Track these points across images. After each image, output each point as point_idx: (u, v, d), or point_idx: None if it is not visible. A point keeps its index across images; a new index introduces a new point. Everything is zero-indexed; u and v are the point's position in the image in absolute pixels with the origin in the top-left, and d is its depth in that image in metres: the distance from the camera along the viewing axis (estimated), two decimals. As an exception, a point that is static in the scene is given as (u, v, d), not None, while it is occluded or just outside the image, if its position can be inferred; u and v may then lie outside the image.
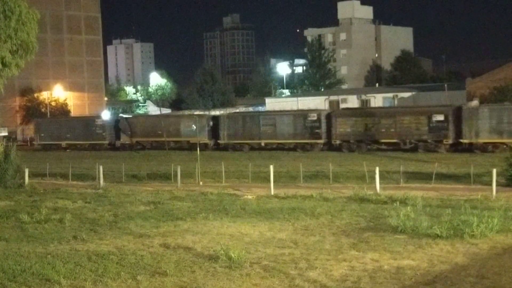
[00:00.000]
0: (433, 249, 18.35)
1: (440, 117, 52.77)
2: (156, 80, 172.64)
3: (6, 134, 77.34)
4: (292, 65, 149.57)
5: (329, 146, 57.54)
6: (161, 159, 54.53)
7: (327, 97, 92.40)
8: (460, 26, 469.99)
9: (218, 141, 62.55)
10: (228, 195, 31.31)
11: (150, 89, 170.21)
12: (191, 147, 59.25)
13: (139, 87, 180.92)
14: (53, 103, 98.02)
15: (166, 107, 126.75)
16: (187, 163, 44.88)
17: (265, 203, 27.99)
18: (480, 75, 78.61)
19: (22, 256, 18.88)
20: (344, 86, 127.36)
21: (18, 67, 34.45)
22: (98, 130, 70.28)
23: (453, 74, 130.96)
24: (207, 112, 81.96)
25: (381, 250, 18.36)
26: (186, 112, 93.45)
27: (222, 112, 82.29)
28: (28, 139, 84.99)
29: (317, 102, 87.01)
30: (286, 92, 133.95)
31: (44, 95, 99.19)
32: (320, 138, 57.83)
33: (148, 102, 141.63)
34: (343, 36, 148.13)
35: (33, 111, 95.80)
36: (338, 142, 56.81)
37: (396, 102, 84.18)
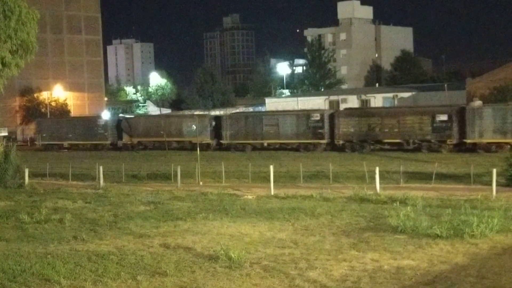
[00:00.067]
0: (433, 249, 18.35)
1: (444, 117, 52.73)
2: (156, 80, 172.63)
3: (6, 134, 77.36)
4: (292, 65, 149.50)
5: (332, 146, 57.45)
6: (161, 159, 54.54)
7: (327, 97, 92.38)
8: (460, 26, 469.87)
9: (221, 141, 62.50)
10: (228, 195, 31.32)
11: (150, 89, 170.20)
12: (193, 147, 59.20)
13: (139, 87, 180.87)
14: (53, 103, 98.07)
15: (166, 107, 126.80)
16: (187, 163, 44.89)
17: (265, 203, 27.99)
18: (480, 75, 78.62)
19: (22, 256, 18.87)
20: (344, 86, 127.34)
21: (18, 67, 34.43)
22: (100, 130, 70.27)
23: (453, 74, 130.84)
24: (209, 112, 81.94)
25: (381, 250, 18.36)
26: (187, 112, 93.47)
27: (223, 112, 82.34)
28: (28, 139, 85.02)
29: (317, 102, 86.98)
30: (286, 92, 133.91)
31: (44, 95, 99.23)
32: (323, 138, 57.76)
33: (148, 102, 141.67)
34: (343, 36, 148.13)
35: (33, 111, 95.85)
36: (341, 142, 56.75)
37: (396, 102, 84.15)
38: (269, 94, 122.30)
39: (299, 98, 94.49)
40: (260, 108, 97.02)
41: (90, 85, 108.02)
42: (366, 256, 17.79)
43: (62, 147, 71.93)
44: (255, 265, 17.03)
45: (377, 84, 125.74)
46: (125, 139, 68.06)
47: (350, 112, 60.15)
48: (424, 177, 35.14)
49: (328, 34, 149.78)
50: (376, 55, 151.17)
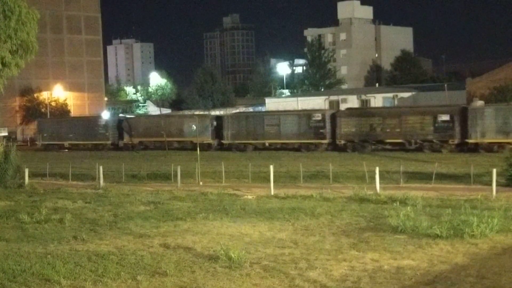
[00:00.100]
0: (433, 249, 18.34)
1: (446, 117, 52.71)
2: (156, 80, 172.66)
3: (6, 134, 77.38)
4: (292, 65, 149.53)
5: (334, 146, 57.41)
6: (161, 159, 54.55)
7: (327, 97, 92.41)
8: (460, 26, 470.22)
9: (222, 141, 62.48)
10: (228, 195, 31.31)
11: (150, 89, 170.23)
12: (195, 147, 59.17)
13: (139, 87, 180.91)
14: (53, 103, 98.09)
15: (166, 107, 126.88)
16: (187, 163, 44.89)
17: (265, 203, 27.98)
18: (480, 75, 78.56)
19: (22, 256, 18.87)
20: (344, 86, 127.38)
21: (18, 67, 34.46)
22: (101, 130, 70.26)
23: (453, 74, 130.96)
24: (211, 112, 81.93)
25: (381, 250, 18.36)
26: (186, 112, 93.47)
27: (222, 112, 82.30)
28: (28, 139, 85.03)
29: (317, 102, 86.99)
30: (286, 92, 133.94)
31: (44, 95, 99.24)
32: (324, 138, 57.71)
33: (148, 102, 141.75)
34: (343, 36, 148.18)
35: (33, 111, 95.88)
36: (342, 142, 56.71)
37: (396, 102, 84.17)
38: (269, 94, 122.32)
39: (299, 98, 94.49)
40: (260, 108, 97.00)
41: (90, 85, 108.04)
42: (366, 256, 17.78)
43: (63, 147, 71.91)
44: (255, 265, 17.03)
45: (377, 84, 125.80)
46: (127, 139, 68.06)
47: (351, 112, 60.09)
48: (424, 177, 35.13)
49: (328, 34, 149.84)
50: (376, 55, 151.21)
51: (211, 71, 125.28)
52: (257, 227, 22.44)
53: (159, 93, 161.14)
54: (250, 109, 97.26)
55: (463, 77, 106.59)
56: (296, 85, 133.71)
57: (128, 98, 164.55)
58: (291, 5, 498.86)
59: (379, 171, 32.16)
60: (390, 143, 54.85)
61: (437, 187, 31.91)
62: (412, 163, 42.78)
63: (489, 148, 50.23)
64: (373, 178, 32.36)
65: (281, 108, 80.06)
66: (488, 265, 16.47)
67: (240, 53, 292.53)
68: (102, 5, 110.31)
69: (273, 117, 61.09)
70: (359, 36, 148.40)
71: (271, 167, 33.15)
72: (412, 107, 61.78)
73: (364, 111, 62.33)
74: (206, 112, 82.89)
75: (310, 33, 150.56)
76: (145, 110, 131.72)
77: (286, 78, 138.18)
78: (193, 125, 58.26)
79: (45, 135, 73.42)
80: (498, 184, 29.36)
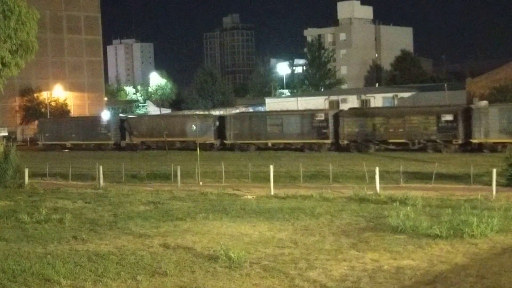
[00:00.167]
0: (433, 249, 18.34)
1: (449, 117, 52.66)
2: (156, 80, 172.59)
3: (6, 134, 77.38)
4: (292, 65, 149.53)
5: (337, 147, 57.35)
6: (161, 159, 54.54)
7: (327, 97, 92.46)
8: (460, 26, 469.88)
9: (224, 141, 62.43)
10: (228, 195, 31.31)
11: (150, 89, 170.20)
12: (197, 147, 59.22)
13: (139, 87, 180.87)
14: (53, 103, 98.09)
15: (166, 107, 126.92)
16: (187, 163, 44.88)
17: (265, 203, 27.97)
18: (480, 75, 78.62)
19: (22, 256, 18.86)
20: (344, 86, 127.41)
21: (18, 67, 34.45)
22: (103, 130, 70.21)
23: (453, 74, 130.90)
24: (210, 112, 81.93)
25: (381, 250, 18.36)
26: (187, 112, 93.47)
27: (222, 112, 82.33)
28: (28, 139, 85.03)
29: (317, 102, 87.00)
30: (286, 92, 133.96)
31: (44, 95, 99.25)
32: (327, 138, 57.65)
33: (148, 102, 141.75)
34: (343, 36, 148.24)
35: (33, 111, 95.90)
36: (345, 142, 56.65)
37: (396, 102, 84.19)
38: (269, 94, 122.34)
39: (299, 98, 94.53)
40: (260, 108, 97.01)
41: (90, 85, 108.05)
42: (366, 256, 17.78)
43: (64, 147, 71.85)
44: (255, 265, 17.02)
45: (377, 84, 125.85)
46: (128, 139, 68.04)
47: (354, 112, 60.00)
48: (424, 177, 35.13)
49: (328, 34, 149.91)
50: (376, 55, 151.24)
51: (211, 71, 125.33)
52: (257, 227, 22.43)
53: (159, 93, 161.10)
54: (250, 109, 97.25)
55: (463, 77, 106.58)
56: (296, 85, 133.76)
57: (128, 98, 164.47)
58: (291, 5, 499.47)
59: (379, 171, 32.16)
60: (393, 143, 54.78)
61: (437, 187, 31.91)
62: (412, 163, 42.78)
63: (493, 148, 50.10)
64: (373, 178, 32.35)
65: (281, 108, 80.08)
66: (488, 265, 16.47)
67: (240, 53, 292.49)
68: (102, 5, 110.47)
69: (276, 117, 61.02)
70: (359, 36, 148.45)
71: (271, 167, 33.14)
72: (416, 107, 61.67)
73: (367, 111, 62.25)
74: (207, 112, 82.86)
75: (310, 33, 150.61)
76: (145, 110, 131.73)
77: (286, 78, 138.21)
78: (193, 125, 58.25)
79: (46, 135, 73.35)
80: (498, 184, 29.35)
